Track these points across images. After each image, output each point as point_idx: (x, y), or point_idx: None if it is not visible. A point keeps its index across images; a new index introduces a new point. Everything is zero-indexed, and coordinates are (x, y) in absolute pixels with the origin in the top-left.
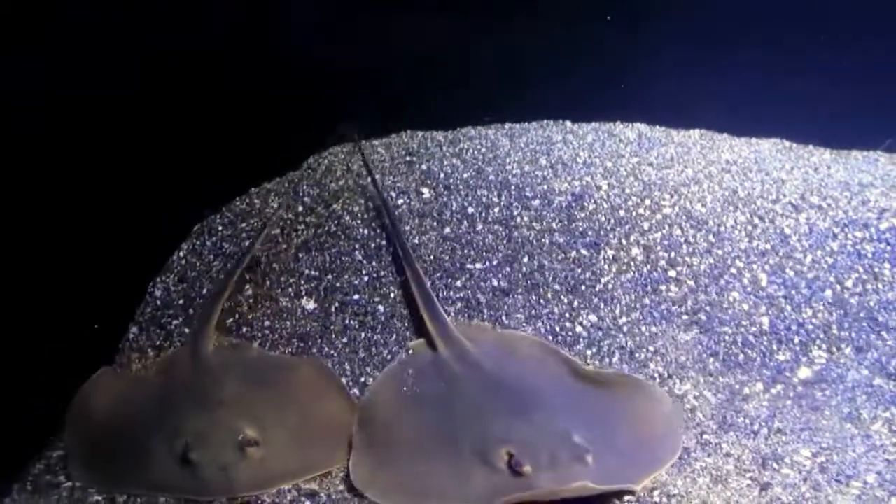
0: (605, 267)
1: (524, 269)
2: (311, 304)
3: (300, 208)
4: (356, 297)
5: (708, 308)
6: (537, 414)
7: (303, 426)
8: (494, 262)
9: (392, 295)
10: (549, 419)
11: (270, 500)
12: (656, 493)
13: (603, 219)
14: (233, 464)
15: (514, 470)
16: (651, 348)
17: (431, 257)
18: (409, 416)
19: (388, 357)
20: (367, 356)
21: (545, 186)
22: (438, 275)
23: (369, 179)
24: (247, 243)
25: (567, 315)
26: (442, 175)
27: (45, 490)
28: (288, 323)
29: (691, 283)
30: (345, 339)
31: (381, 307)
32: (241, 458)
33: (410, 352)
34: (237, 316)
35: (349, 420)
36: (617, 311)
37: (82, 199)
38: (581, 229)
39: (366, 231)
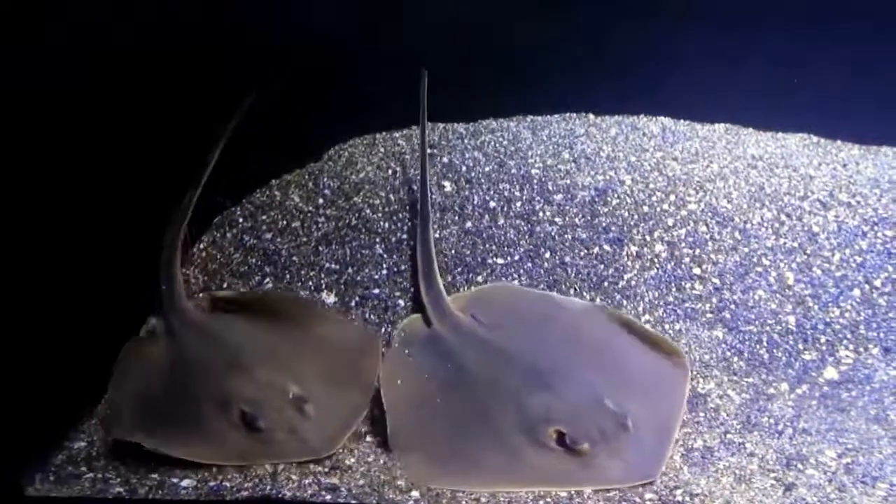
0: (629, 263)
1: (546, 264)
2: (331, 298)
3: (320, 201)
4: (376, 291)
5: (733, 306)
6: (560, 380)
7: (325, 366)
8: (516, 258)
9: (413, 289)
10: (575, 384)
11: (291, 494)
12: (679, 491)
13: (626, 214)
14: (299, 425)
15: (571, 448)
16: None
17: (452, 251)
18: (427, 400)
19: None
20: None
21: (568, 181)
22: (459, 269)
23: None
24: (267, 235)
25: None
26: (463, 168)
27: (68, 480)
28: None
29: (716, 280)
30: None
31: (401, 301)
32: (304, 418)
33: (403, 334)
34: None
35: (364, 347)
36: (640, 309)
37: (105, 190)
38: (604, 225)
39: (387, 224)
